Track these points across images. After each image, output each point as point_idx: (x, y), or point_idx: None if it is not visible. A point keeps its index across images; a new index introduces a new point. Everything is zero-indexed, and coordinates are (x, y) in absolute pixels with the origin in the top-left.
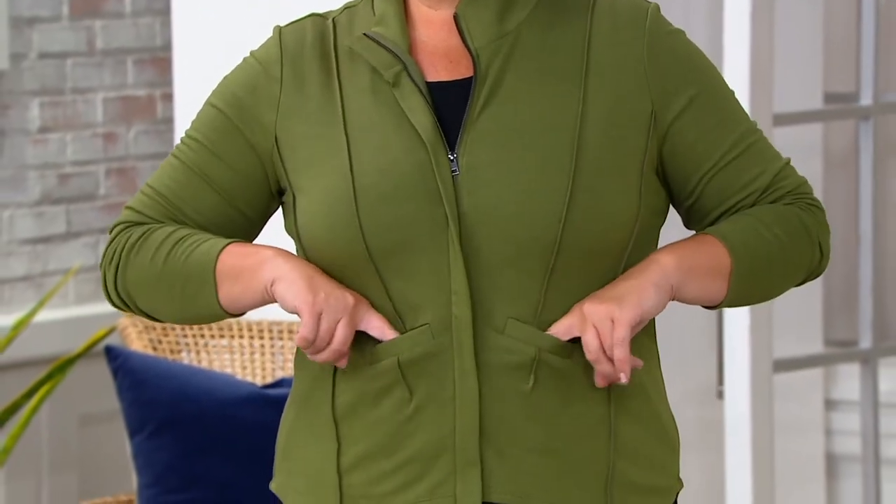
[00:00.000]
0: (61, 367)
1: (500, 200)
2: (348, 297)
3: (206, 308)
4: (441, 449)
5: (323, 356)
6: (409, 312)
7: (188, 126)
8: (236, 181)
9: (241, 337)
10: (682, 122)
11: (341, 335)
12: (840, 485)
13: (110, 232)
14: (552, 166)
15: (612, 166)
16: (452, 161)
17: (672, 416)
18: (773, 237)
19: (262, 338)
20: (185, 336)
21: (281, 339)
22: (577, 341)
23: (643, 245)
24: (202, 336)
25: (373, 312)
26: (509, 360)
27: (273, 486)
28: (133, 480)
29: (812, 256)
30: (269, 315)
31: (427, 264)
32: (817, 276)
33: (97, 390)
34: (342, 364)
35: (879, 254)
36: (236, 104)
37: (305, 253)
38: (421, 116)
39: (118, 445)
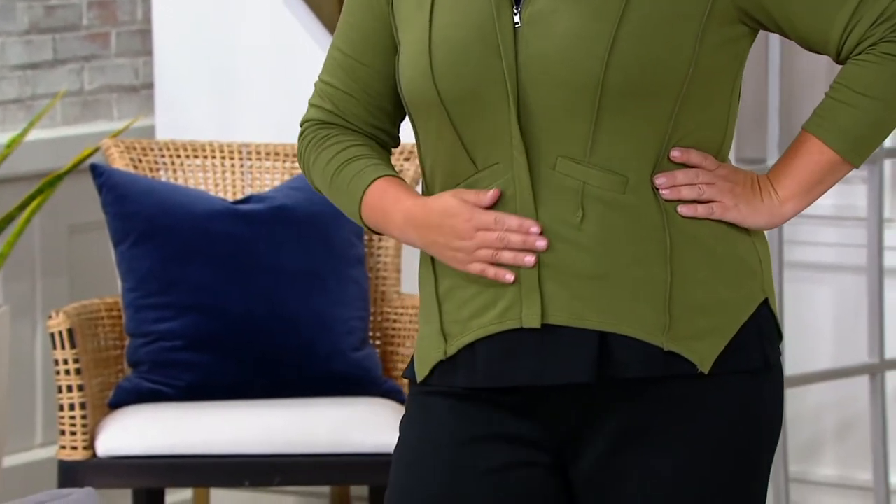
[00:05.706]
0: (51, 182)
1: (552, 48)
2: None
3: (364, 226)
4: None
5: (508, 256)
6: (480, 155)
7: None
8: (377, 49)
9: (214, 157)
10: None
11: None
12: None
13: (301, 125)
14: (602, 15)
15: (663, 15)
16: (516, 14)
17: (751, 242)
18: (870, 104)
19: (232, 158)
20: (163, 156)
21: (250, 159)
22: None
23: (720, 83)
24: (178, 156)
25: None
26: (559, 196)
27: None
28: (118, 285)
29: None
30: (239, 137)
31: (490, 111)
32: None
33: (85, 203)
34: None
35: (786, 76)
36: None
37: (406, 104)
38: None
39: (104, 253)
